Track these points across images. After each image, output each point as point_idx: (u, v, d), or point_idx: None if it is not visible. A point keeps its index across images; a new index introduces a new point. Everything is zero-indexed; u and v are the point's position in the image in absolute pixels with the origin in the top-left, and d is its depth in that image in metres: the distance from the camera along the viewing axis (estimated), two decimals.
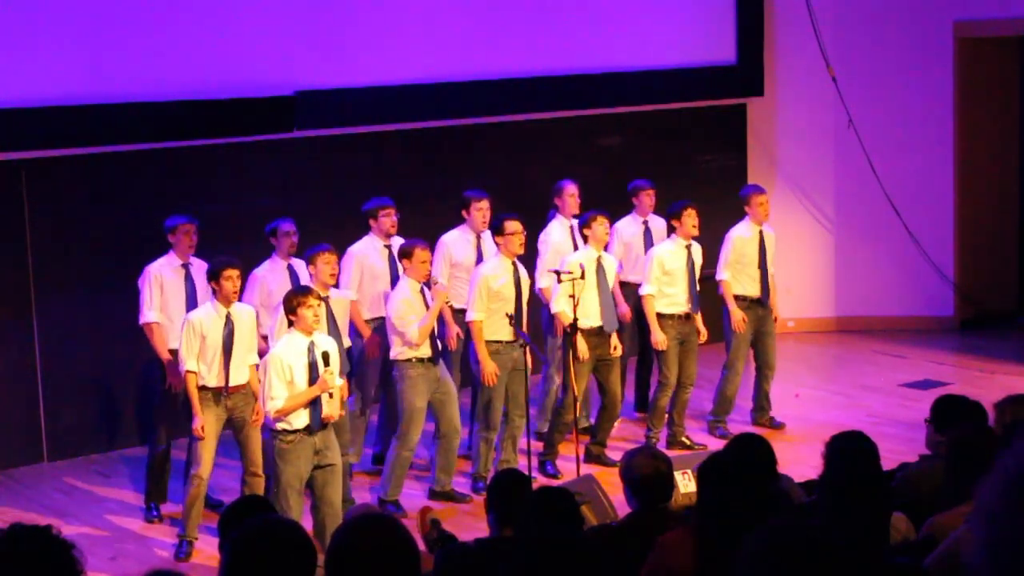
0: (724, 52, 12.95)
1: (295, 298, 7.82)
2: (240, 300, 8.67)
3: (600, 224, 9.43)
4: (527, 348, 9.11)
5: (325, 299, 8.50)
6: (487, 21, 11.64)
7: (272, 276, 9.16)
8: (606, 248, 9.73)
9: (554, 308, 9.42)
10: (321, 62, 10.78)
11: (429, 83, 11.26)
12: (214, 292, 8.25)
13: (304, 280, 8.95)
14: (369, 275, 9.43)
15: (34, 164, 9.98)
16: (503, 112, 11.88)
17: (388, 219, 9.48)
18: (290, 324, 7.86)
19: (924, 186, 13.22)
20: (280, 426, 7.80)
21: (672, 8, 12.67)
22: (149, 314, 8.87)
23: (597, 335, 9.43)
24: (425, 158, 11.67)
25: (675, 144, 12.98)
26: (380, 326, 9.41)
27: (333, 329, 8.59)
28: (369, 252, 9.47)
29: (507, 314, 9.06)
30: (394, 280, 9.40)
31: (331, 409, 7.87)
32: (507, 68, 11.71)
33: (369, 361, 9.41)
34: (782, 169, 13.50)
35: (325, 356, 7.79)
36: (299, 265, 9.13)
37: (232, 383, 8.27)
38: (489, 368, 9.04)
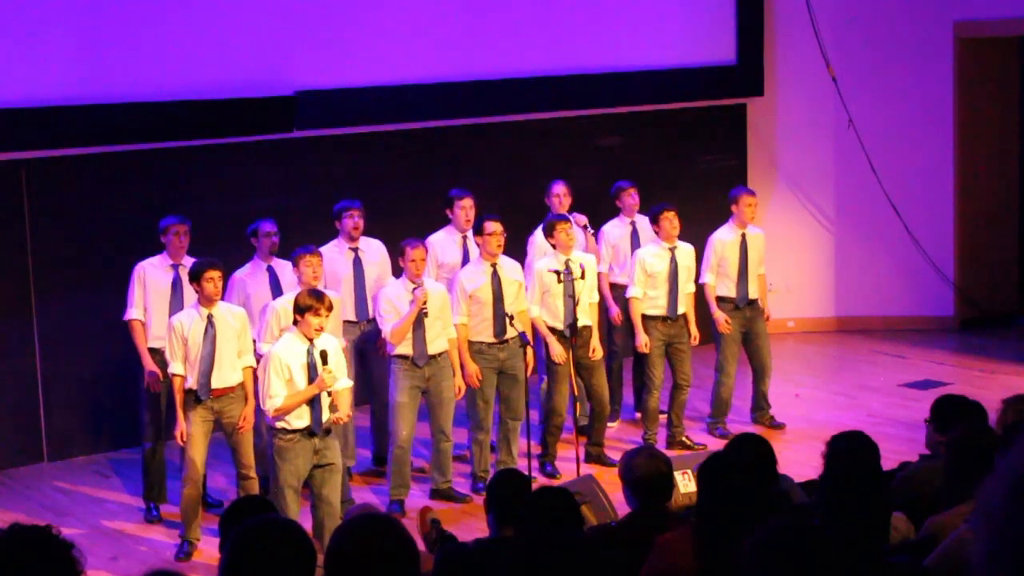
0: (724, 52, 12.95)
1: (308, 300, 7.78)
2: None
3: (562, 231, 9.33)
4: (526, 349, 9.12)
5: None
6: (487, 21, 11.64)
7: (252, 279, 9.12)
8: (598, 248, 9.72)
9: (531, 313, 9.40)
10: (321, 62, 10.78)
11: (429, 83, 11.26)
12: (197, 294, 8.25)
13: (285, 281, 8.94)
14: (331, 279, 9.36)
15: (34, 164, 9.98)
16: (503, 112, 11.87)
17: (351, 220, 9.42)
18: (295, 322, 7.84)
19: (924, 186, 13.21)
20: (279, 424, 7.80)
21: (672, 8, 12.67)
22: (131, 311, 8.91)
23: (570, 337, 9.38)
24: (425, 158, 11.67)
25: (675, 144, 12.98)
26: (355, 330, 9.41)
27: None
28: (333, 256, 9.38)
29: (507, 315, 9.07)
30: (358, 282, 9.41)
31: (339, 411, 7.86)
32: (507, 68, 11.70)
33: None
34: (782, 169, 13.50)
35: (323, 355, 7.79)
36: (279, 266, 9.10)
37: (216, 385, 8.22)
38: (471, 368, 9.06)
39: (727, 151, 13.34)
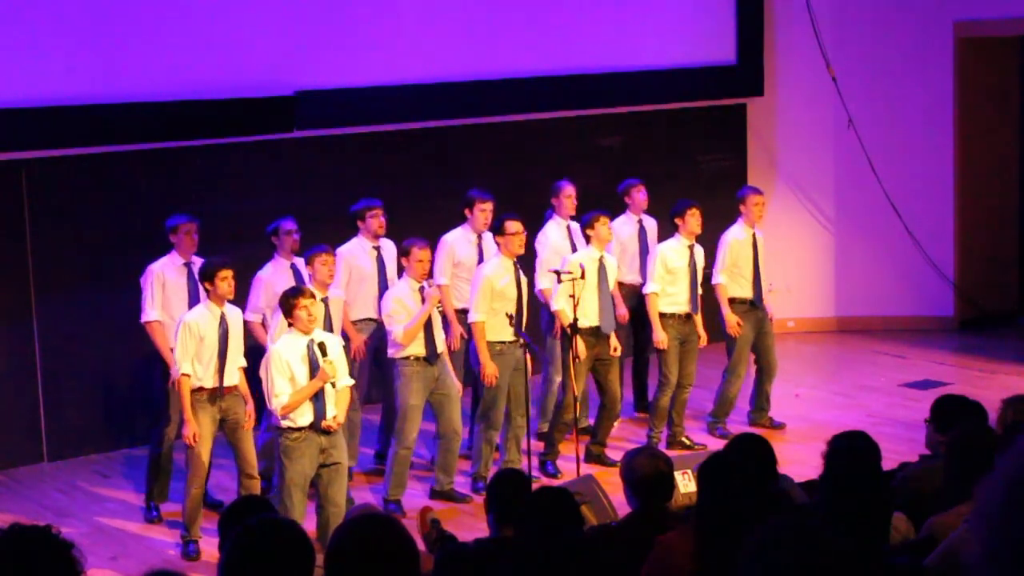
0: (724, 52, 12.95)
1: (290, 299, 7.83)
2: (247, 303, 8.71)
3: (603, 224, 9.43)
4: (527, 348, 9.12)
5: (324, 299, 8.52)
6: (487, 21, 11.64)
7: (277, 278, 9.13)
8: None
9: (554, 306, 9.43)
10: (321, 62, 10.78)
11: (429, 83, 11.26)
12: (208, 292, 8.25)
13: (308, 279, 8.95)
14: (356, 276, 9.40)
15: (34, 164, 9.98)
16: (503, 112, 11.87)
17: (375, 220, 9.46)
18: (289, 324, 7.87)
19: (924, 186, 13.21)
20: (285, 423, 7.81)
21: (672, 8, 12.67)
22: (151, 312, 8.86)
23: (595, 335, 9.43)
24: (425, 158, 11.67)
25: (675, 144, 12.98)
26: (374, 328, 9.42)
27: (329, 329, 8.59)
28: (357, 253, 9.45)
29: (507, 314, 9.06)
30: (382, 281, 9.42)
31: (333, 417, 7.87)
32: (507, 68, 11.70)
33: (358, 362, 9.39)
34: (782, 169, 13.50)
35: (322, 346, 7.81)
36: (303, 264, 9.12)
37: (227, 383, 8.26)
38: (490, 369, 9.04)
39: (727, 151, 13.34)
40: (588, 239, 9.51)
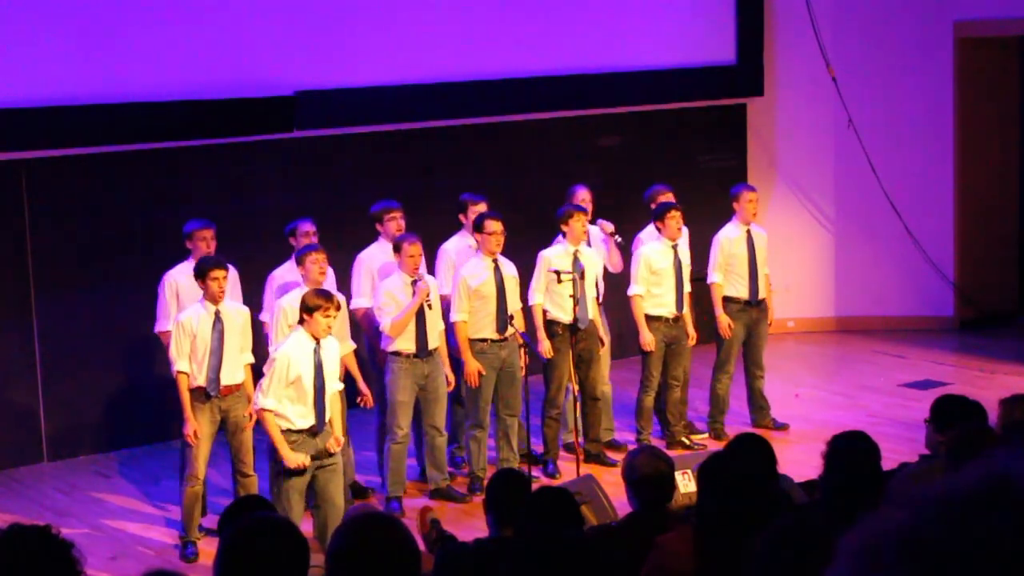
0: (724, 52, 12.95)
1: (315, 300, 7.72)
2: (262, 300, 8.67)
3: (579, 221, 9.38)
4: (525, 348, 9.12)
5: None
6: (487, 21, 11.64)
7: (292, 276, 9.09)
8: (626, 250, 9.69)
9: (531, 301, 9.40)
10: (321, 62, 10.78)
11: (429, 83, 11.26)
12: (202, 291, 8.22)
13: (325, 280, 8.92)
14: (383, 278, 9.35)
15: (34, 164, 9.98)
16: (503, 112, 11.87)
17: (394, 223, 9.38)
18: (301, 321, 7.81)
19: (924, 186, 13.22)
20: (284, 425, 7.78)
21: (672, 8, 12.67)
22: (163, 322, 8.76)
23: (574, 331, 9.38)
24: (425, 158, 11.67)
25: (675, 144, 12.97)
26: None
27: None
28: (378, 256, 9.39)
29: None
30: None
31: (335, 438, 7.88)
32: (507, 68, 11.70)
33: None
34: (782, 169, 13.50)
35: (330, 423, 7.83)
36: None
37: (224, 383, 8.21)
38: (472, 367, 9.05)
39: (727, 151, 13.34)
40: (564, 235, 9.45)
